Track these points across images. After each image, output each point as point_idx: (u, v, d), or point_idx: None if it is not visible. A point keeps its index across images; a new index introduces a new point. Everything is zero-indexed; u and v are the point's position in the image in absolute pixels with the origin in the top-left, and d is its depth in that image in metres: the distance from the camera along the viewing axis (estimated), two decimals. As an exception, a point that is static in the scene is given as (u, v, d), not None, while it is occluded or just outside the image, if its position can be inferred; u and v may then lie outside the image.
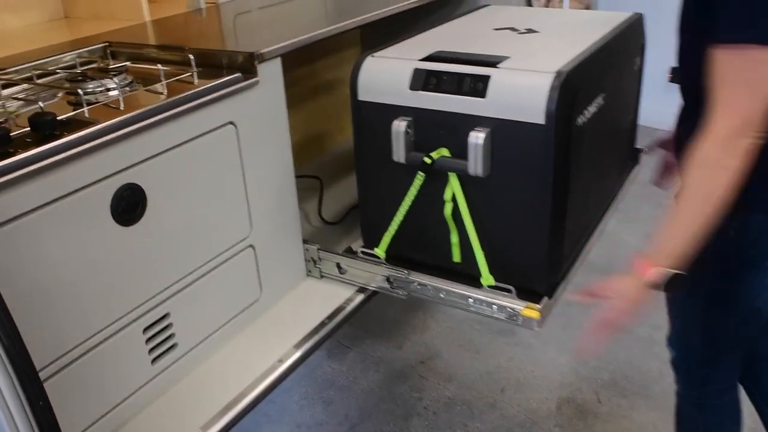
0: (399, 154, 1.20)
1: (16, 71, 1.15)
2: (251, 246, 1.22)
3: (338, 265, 1.32)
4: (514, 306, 1.15)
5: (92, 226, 0.92)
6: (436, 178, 1.18)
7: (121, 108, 0.99)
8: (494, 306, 1.17)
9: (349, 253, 1.35)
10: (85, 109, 0.97)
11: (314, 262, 1.36)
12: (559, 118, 1.07)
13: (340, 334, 2.17)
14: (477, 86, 1.12)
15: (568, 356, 2.02)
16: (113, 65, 1.16)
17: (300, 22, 1.42)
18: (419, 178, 1.19)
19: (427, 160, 1.16)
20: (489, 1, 1.79)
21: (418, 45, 1.29)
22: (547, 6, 3.74)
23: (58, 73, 1.15)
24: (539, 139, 1.08)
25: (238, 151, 1.14)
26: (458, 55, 1.20)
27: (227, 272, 1.17)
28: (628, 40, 1.17)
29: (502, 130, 1.11)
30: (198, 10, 1.57)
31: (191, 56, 1.12)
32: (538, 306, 1.14)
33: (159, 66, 1.13)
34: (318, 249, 1.34)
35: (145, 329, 1.04)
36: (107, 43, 1.29)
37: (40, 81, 1.14)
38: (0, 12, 1.47)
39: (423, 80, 1.17)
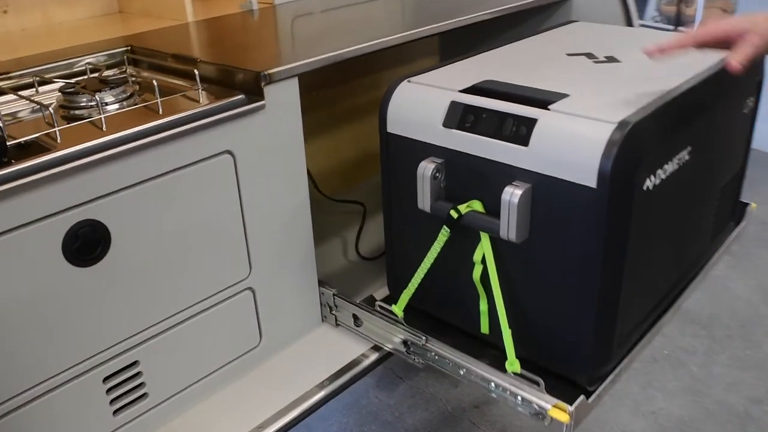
0: (424, 201, 1.01)
1: (20, 75, 1.07)
2: (250, 289, 1.08)
3: (354, 317, 1.16)
4: (541, 403, 0.93)
5: (38, 265, 0.81)
6: (466, 233, 0.98)
7: (103, 129, 0.88)
8: (518, 397, 0.96)
9: (370, 302, 1.18)
10: (57, 129, 0.86)
11: (330, 308, 1.20)
12: (616, 182, 0.84)
13: (392, 361, 2.03)
14: (520, 130, 0.91)
15: (645, 422, 1.75)
16: (113, 75, 1.06)
17: (364, 29, 1.25)
18: (444, 234, 0.99)
19: (454, 214, 0.97)
20: (583, 14, 1.54)
21: (469, 69, 1.09)
22: (677, 10, 3.32)
23: (55, 81, 1.05)
24: (588, 204, 0.86)
25: (235, 184, 0.99)
26: (507, 88, 0.99)
27: (217, 317, 1.04)
28: (736, 78, 0.92)
29: (544, 188, 0.90)
30: (250, 11, 1.45)
31: (196, 71, 0.99)
32: (569, 408, 0.92)
33: (167, 79, 1.02)
34: (334, 295, 1.18)
35: (107, 378, 0.93)
36: (129, 47, 1.19)
37: (41, 89, 1.05)
38: (51, 4, 1.42)
39: (459, 116, 0.98)
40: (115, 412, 0.96)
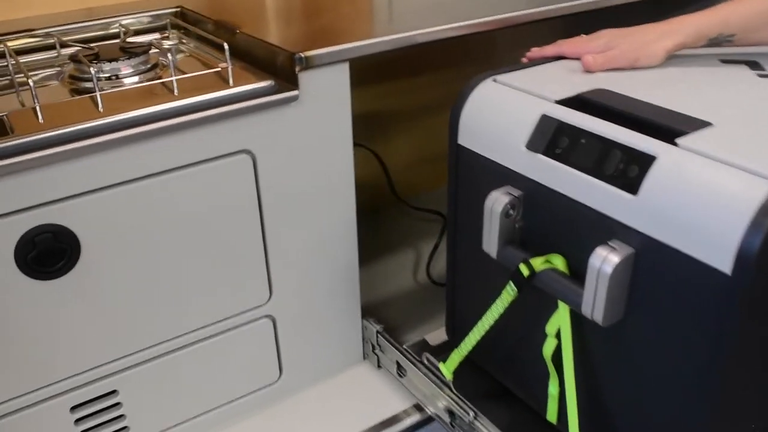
0: (490, 243, 0.76)
1: (45, 34, 0.93)
2: (269, 317, 0.89)
3: (398, 364, 0.94)
4: None
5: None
6: (541, 293, 0.72)
7: (100, 109, 0.71)
8: None
9: (421, 348, 0.95)
10: (38, 106, 0.70)
11: (373, 346, 0.99)
12: (763, 272, 0.55)
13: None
14: (629, 170, 0.63)
15: None
16: (133, 42, 0.88)
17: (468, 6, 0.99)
18: (509, 293, 0.74)
19: (524, 270, 0.71)
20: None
21: (576, 72, 0.81)
22: None
23: (73, 45, 0.90)
24: (717, 295, 0.58)
25: (254, 191, 0.80)
26: (624, 104, 0.70)
27: (224, 347, 0.86)
28: None
29: (653, 258, 0.62)
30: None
31: (226, 46, 0.79)
32: None
33: (206, 51, 0.83)
34: (378, 332, 0.96)
35: (75, 407, 0.78)
36: (179, 9, 1.02)
37: (64, 52, 0.91)
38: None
39: (549, 136, 0.71)
40: (85, 446, 0.81)
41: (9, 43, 0.88)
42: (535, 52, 0.88)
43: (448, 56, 1.32)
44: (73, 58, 0.83)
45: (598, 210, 0.66)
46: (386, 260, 1.20)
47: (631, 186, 0.63)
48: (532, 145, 0.72)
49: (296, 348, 0.93)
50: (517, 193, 0.74)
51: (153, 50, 0.94)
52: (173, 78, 0.78)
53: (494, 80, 0.80)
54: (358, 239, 0.91)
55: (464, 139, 0.80)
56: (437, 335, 0.98)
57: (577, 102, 0.73)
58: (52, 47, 0.91)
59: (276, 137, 0.78)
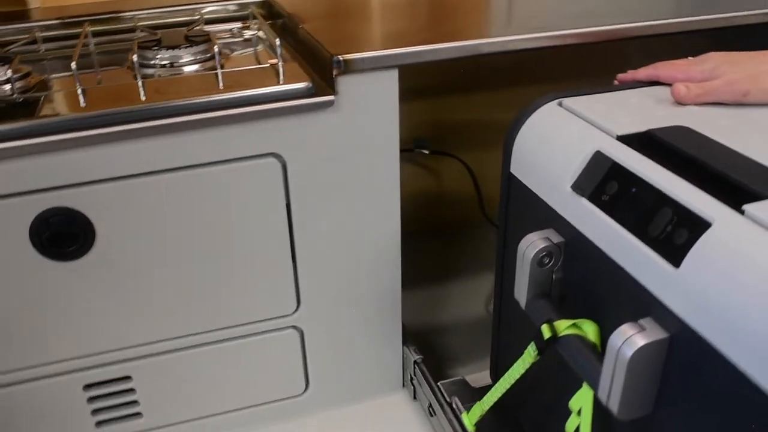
0: (520, 291, 0.65)
1: (131, 17, 0.95)
2: (295, 328, 0.84)
3: (429, 403, 0.86)
4: None
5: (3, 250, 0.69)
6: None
7: (142, 98, 0.70)
8: None
9: (460, 387, 0.86)
10: (79, 89, 0.71)
11: (411, 376, 0.91)
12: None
13: None
14: (675, 235, 0.50)
15: None
16: (198, 31, 0.86)
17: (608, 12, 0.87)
18: (530, 354, 0.63)
19: (546, 332, 0.60)
20: None
21: (665, 101, 0.67)
22: None
23: (145, 31, 0.91)
24: (765, 424, 0.44)
25: (283, 197, 0.75)
26: (699, 149, 0.57)
27: (246, 351, 0.83)
28: None
29: (688, 350, 0.49)
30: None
31: (278, 41, 0.75)
32: None
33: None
34: (415, 363, 0.89)
35: (89, 386, 0.80)
36: (267, -1, 1.00)
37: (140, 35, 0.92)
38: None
39: (599, 178, 0.59)
40: (99, 423, 0.82)
41: (90, 27, 0.91)
42: (628, 74, 0.75)
43: (566, 66, 1.19)
44: (137, 43, 0.84)
45: (635, 278, 0.53)
46: (459, 283, 1.11)
47: (675, 255, 0.50)
48: (578, 187, 0.60)
49: (325, 364, 0.88)
50: (557, 239, 0.63)
51: (230, 38, 0.94)
52: (218, 71, 0.75)
53: (559, 104, 0.69)
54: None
55: (517, 169, 0.70)
56: (482, 376, 0.89)
57: (643, 140, 0.60)
58: (131, 30, 0.93)
59: (309, 143, 0.73)
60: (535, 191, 0.67)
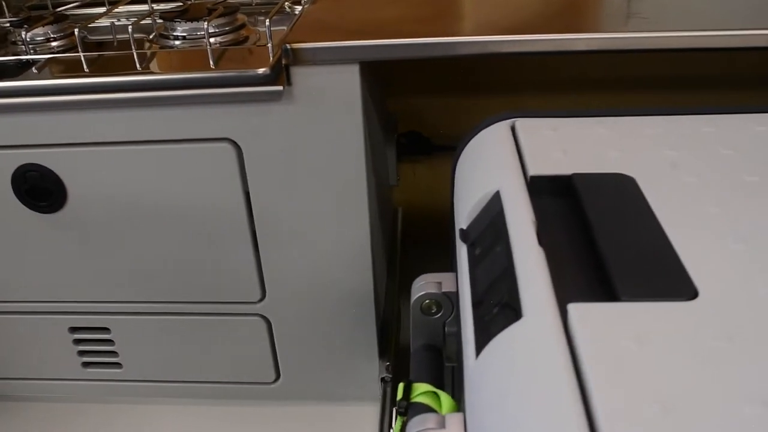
0: (412, 335, 0.56)
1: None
2: (262, 317, 0.82)
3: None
4: None
5: (-9, 194, 0.76)
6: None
7: (138, 68, 0.73)
8: None
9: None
10: (82, 56, 0.75)
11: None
12: None
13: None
14: (497, 319, 0.39)
15: None
16: (226, 3, 0.85)
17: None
18: (399, 422, 0.54)
19: (399, 392, 0.51)
20: None
21: (641, 135, 0.52)
22: None
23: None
24: None
25: (239, 183, 0.73)
26: (607, 210, 0.43)
27: (215, 329, 0.83)
28: None
29: None
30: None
31: (268, 22, 0.72)
32: None
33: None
34: (382, 379, 0.82)
35: (73, 329, 0.86)
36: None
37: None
38: None
39: (482, 227, 0.48)
40: (85, 364, 0.89)
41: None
42: None
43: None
44: (162, 14, 0.86)
45: (462, 359, 0.43)
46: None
47: (481, 343, 0.39)
48: (466, 231, 0.50)
49: (297, 359, 0.85)
50: (446, 290, 0.53)
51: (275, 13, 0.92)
52: (208, 48, 0.75)
53: (512, 125, 0.57)
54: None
55: (457, 186, 0.60)
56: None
57: (556, 186, 0.48)
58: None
59: (264, 132, 0.70)
60: (458, 220, 0.57)
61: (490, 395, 0.36)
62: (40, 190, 0.75)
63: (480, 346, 0.39)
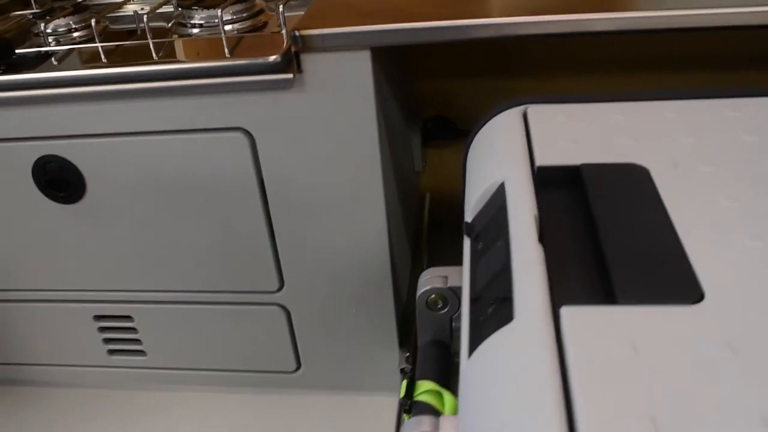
0: (419, 330, 0.55)
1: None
2: (281, 307, 0.82)
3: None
4: None
5: (10, 187, 0.77)
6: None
7: (155, 57, 0.73)
8: None
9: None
10: (99, 45, 0.75)
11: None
12: None
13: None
14: (492, 319, 0.37)
15: None
16: None
17: None
18: (405, 417, 0.53)
19: (402, 390, 0.50)
20: None
21: (657, 120, 0.49)
22: None
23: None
24: None
25: (253, 172, 0.72)
26: (615, 203, 0.40)
27: (236, 318, 0.83)
28: None
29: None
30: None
31: (281, 8, 0.71)
32: None
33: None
34: (401, 370, 0.81)
35: (98, 317, 0.87)
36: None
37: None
38: None
39: (486, 220, 0.46)
40: (110, 352, 0.90)
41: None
42: None
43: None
44: (180, 3, 0.85)
45: (460, 359, 0.41)
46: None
47: (475, 342, 0.37)
48: (471, 225, 0.48)
49: (317, 349, 0.85)
50: (454, 285, 0.51)
51: None
52: (223, 36, 0.74)
53: (524, 112, 0.54)
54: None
55: (468, 175, 0.58)
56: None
57: (563, 177, 0.45)
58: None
59: (276, 121, 0.69)
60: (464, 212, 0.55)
61: (478, 399, 0.34)
62: (59, 181, 0.76)
63: (473, 346, 0.38)
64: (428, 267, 1.05)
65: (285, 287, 0.80)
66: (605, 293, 0.35)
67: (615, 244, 0.38)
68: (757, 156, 0.45)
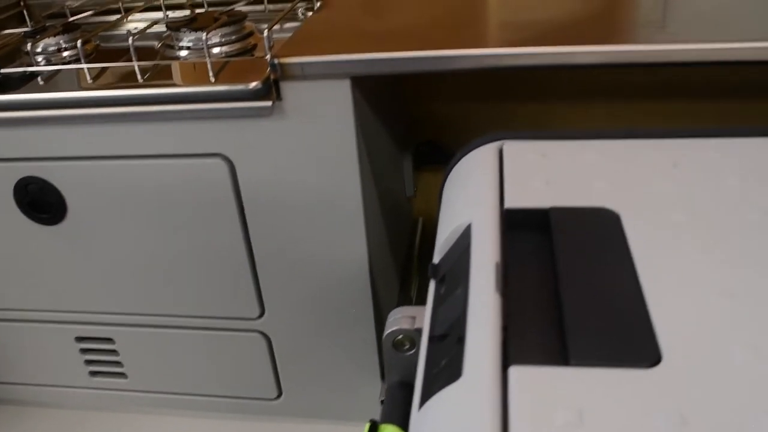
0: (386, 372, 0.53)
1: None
2: (262, 334, 0.81)
3: None
4: None
5: (-4, 205, 0.77)
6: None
7: (140, 80, 0.72)
8: None
9: None
10: (85, 67, 0.75)
11: (383, 413, 0.81)
12: None
13: None
14: (448, 370, 0.36)
15: None
16: (233, 13, 0.83)
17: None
18: (369, 448, 0.52)
19: (366, 429, 0.49)
20: None
21: (632, 162, 0.47)
22: None
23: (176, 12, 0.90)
24: None
25: (233, 199, 0.71)
26: (579, 253, 0.39)
27: (216, 343, 0.82)
28: None
29: None
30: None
31: (266, 33, 0.70)
32: None
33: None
34: (381, 401, 0.79)
35: (80, 338, 0.86)
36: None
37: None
38: None
39: (451, 262, 0.44)
40: (92, 373, 0.89)
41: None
42: None
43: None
44: (169, 23, 0.85)
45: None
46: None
47: (426, 394, 0.36)
48: (437, 267, 0.46)
49: (299, 378, 0.83)
50: (420, 326, 0.50)
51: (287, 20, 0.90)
52: (207, 60, 0.73)
53: (500, 147, 0.53)
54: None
55: (442, 211, 0.56)
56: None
57: (530, 221, 0.44)
58: (200, 5, 0.94)
59: (256, 148, 0.68)
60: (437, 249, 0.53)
61: None
62: (41, 202, 0.75)
63: (423, 398, 0.36)
64: (418, 293, 1.04)
65: (266, 314, 0.79)
66: (559, 352, 0.34)
67: (574, 299, 0.36)
68: (736, 203, 0.43)
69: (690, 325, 0.34)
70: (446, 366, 0.37)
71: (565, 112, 1.02)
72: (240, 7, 0.88)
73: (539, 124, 1.03)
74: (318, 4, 0.88)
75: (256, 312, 0.79)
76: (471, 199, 0.48)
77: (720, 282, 0.37)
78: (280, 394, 0.86)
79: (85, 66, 0.76)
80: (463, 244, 0.45)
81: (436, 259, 0.48)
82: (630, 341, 0.33)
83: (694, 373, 0.31)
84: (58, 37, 0.83)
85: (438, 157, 1.05)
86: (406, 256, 1.03)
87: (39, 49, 0.82)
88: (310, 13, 0.89)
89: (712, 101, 0.97)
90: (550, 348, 0.34)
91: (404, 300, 0.97)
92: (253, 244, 0.74)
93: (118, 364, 0.88)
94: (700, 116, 0.98)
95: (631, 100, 1.00)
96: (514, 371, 0.32)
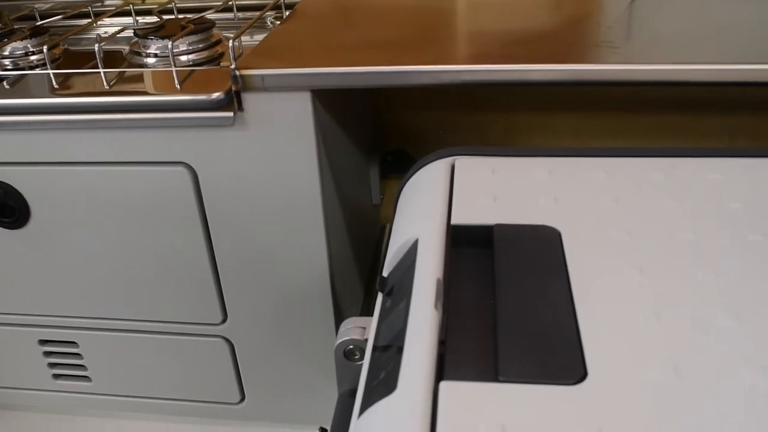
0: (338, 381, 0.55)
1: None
2: (225, 339, 0.81)
3: None
4: None
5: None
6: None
7: (106, 88, 0.73)
8: None
9: None
10: (51, 72, 0.75)
11: (344, 418, 0.83)
12: None
13: None
14: (387, 381, 0.37)
15: None
16: (202, 19, 0.83)
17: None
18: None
19: (315, 439, 0.50)
20: None
21: (585, 179, 0.49)
22: None
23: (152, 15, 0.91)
24: None
25: (196, 207, 0.72)
26: (518, 270, 0.40)
27: (179, 348, 0.83)
28: None
29: None
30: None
31: (231, 43, 0.71)
32: None
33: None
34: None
35: (43, 341, 0.86)
36: (305, -10, 0.93)
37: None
38: None
39: (400, 271, 0.46)
40: (55, 376, 0.89)
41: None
42: None
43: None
44: (136, 31, 0.85)
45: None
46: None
47: (366, 404, 0.37)
48: (385, 280, 0.48)
49: (262, 384, 0.84)
50: (367, 337, 0.51)
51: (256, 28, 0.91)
52: (173, 69, 0.74)
53: (452, 162, 0.54)
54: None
55: (395, 223, 0.58)
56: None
57: (475, 237, 0.45)
58: (170, 12, 0.95)
59: (218, 158, 0.68)
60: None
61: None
62: (4, 206, 0.75)
63: (362, 408, 0.37)
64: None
65: (229, 320, 0.80)
66: (491, 368, 0.35)
67: (508, 316, 0.37)
68: (676, 223, 0.45)
69: (617, 344, 0.35)
70: (384, 378, 0.38)
71: (531, 122, 1.04)
72: (209, 15, 0.89)
73: (507, 133, 1.04)
74: (287, 13, 0.89)
75: (219, 318, 0.80)
76: (420, 214, 0.49)
77: (651, 301, 0.38)
78: (243, 399, 0.87)
79: (51, 72, 0.76)
80: (409, 258, 0.46)
81: (385, 272, 0.49)
82: (557, 358, 0.35)
83: (617, 391, 0.32)
84: (25, 41, 0.83)
85: (406, 165, 1.06)
86: (373, 262, 1.04)
87: (6, 53, 0.82)
88: (278, 23, 0.90)
89: (679, 115, 0.99)
90: (483, 363, 0.36)
91: (369, 307, 0.99)
92: (215, 251, 0.75)
93: (81, 367, 0.88)
94: (667, 131, 1.00)
95: (596, 113, 1.02)
96: (444, 386, 0.33)
